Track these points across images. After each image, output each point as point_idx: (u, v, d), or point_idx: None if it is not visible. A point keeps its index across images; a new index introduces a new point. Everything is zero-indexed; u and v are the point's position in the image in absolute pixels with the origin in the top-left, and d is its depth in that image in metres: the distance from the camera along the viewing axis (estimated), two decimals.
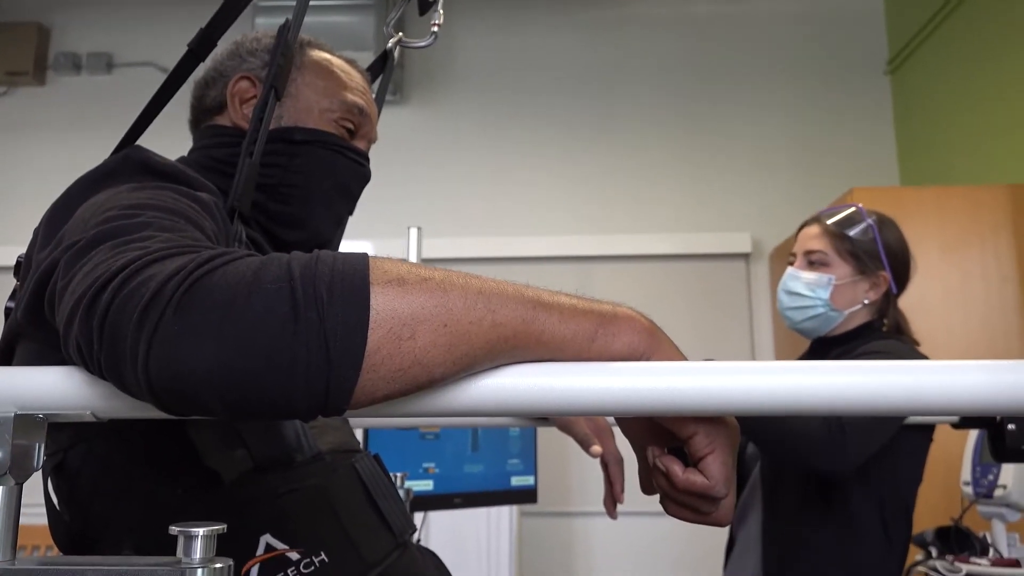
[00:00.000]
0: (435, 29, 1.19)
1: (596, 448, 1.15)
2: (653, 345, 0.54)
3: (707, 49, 3.60)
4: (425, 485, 1.92)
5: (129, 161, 0.73)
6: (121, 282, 0.48)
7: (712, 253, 3.37)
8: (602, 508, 1.21)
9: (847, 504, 1.26)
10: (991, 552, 1.63)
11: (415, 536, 0.88)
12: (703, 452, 0.55)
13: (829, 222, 1.43)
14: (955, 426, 1.22)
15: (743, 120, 3.54)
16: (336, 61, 0.93)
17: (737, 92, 3.56)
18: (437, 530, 2.36)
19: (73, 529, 0.71)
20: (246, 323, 0.45)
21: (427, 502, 1.89)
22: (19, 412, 0.52)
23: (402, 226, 3.46)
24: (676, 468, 0.56)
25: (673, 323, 1.60)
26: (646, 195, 3.50)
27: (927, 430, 1.31)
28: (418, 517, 1.79)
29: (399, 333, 0.47)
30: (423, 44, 1.19)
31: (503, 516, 2.53)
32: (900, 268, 1.44)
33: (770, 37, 3.59)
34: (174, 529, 0.51)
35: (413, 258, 1.96)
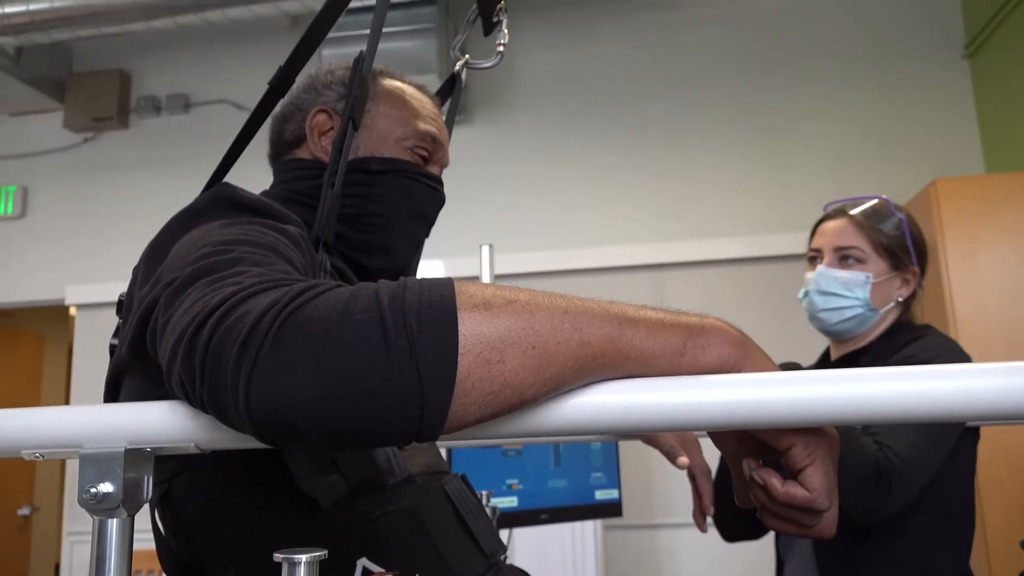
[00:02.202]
0: (500, 49, 1.21)
1: (683, 460, 1.14)
2: (744, 356, 0.53)
3: (771, 44, 3.53)
4: (510, 502, 1.92)
5: (219, 198, 0.76)
6: (219, 319, 0.50)
7: (787, 254, 3.28)
8: (688, 519, 1.19)
9: (910, 517, 1.17)
10: None
11: (505, 556, 0.88)
12: (802, 464, 0.53)
13: (856, 213, 1.34)
14: None
15: (814, 115, 3.45)
16: (408, 89, 0.94)
17: (806, 86, 3.47)
18: (522, 545, 2.35)
19: (180, 556, 0.73)
20: (339, 355, 0.46)
21: (513, 519, 1.89)
22: (129, 447, 0.55)
23: (472, 244, 3.49)
24: (775, 481, 0.54)
25: (748, 328, 1.56)
26: (716, 199, 3.44)
27: (973, 429, 1.23)
28: (503, 534, 1.79)
29: (488, 357, 0.47)
30: (489, 65, 1.21)
31: (587, 530, 2.51)
32: (925, 261, 1.37)
33: (837, 27, 3.50)
34: (278, 556, 0.52)
35: (486, 275, 1.97)
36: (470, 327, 0.47)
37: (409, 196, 0.90)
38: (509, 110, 3.66)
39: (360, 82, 0.82)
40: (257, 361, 0.47)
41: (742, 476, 0.58)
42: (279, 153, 0.95)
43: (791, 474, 0.55)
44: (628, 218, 3.48)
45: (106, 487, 0.53)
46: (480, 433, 0.52)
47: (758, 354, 0.54)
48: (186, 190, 3.63)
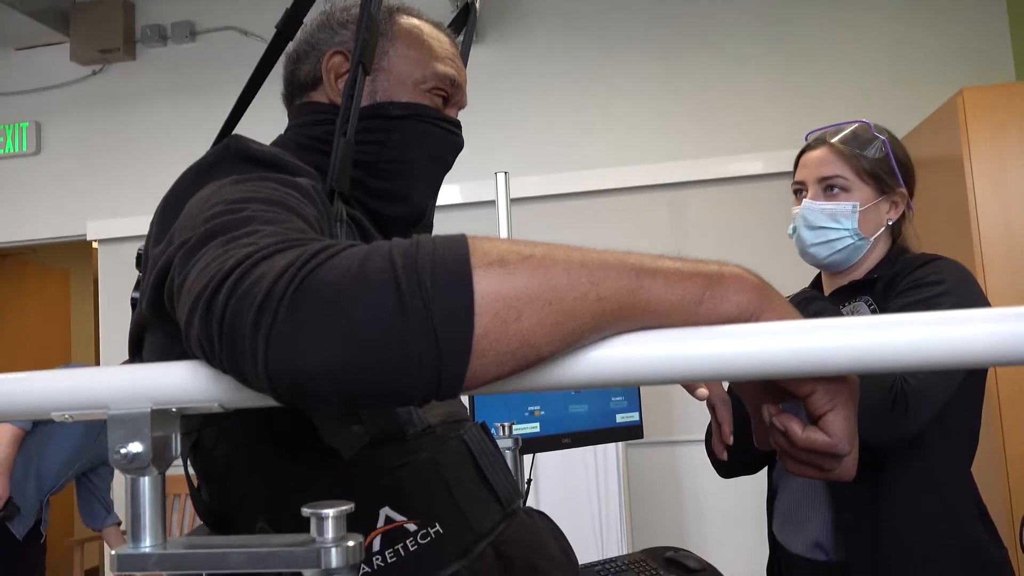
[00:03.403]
0: None
1: (702, 391, 1.14)
2: (764, 303, 0.52)
3: None
4: (532, 428, 1.96)
5: (229, 151, 0.75)
6: (234, 282, 0.50)
7: None
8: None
9: (923, 444, 1.17)
10: None
11: (523, 502, 0.90)
12: (823, 410, 0.53)
13: (837, 142, 1.30)
14: None
15: (835, 25, 3.32)
16: (426, 28, 0.91)
17: None
18: (545, 467, 2.41)
19: (211, 506, 0.76)
20: (355, 318, 0.46)
21: (536, 444, 1.93)
22: (155, 408, 0.56)
23: (487, 167, 3.46)
24: (795, 427, 0.55)
25: (772, 246, 1.51)
26: (735, 115, 3.36)
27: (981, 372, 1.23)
28: (527, 459, 1.83)
29: (505, 316, 0.47)
30: None
31: (609, 450, 2.56)
32: (912, 182, 1.34)
33: None
34: (306, 511, 0.53)
35: (502, 203, 1.95)
36: (485, 285, 0.47)
37: (428, 142, 0.88)
38: (521, 29, 3.56)
39: (370, 24, 0.80)
40: (273, 326, 0.47)
41: (762, 420, 0.59)
42: (293, 94, 0.92)
43: (812, 419, 0.55)
44: (647, 137, 3.41)
45: (135, 447, 0.55)
46: (500, 388, 0.52)
47: (777, 300, 0.53)
48: (199, 120, 3.65)
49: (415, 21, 0.91)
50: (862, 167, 1.28)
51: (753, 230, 3.25)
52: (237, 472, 0.73)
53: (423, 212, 0.91)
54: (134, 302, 0.77)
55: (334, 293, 0.47)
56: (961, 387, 1.17)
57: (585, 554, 2.50)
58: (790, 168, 3.25)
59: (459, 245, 0.49)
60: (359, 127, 0.81)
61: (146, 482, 0.56)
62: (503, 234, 1.98)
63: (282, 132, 0.90)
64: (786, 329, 0.50)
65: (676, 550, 1.82)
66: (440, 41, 0.91)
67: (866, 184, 1.29)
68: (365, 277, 0.47)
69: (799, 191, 1.35)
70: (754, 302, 0.52)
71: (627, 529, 2.60)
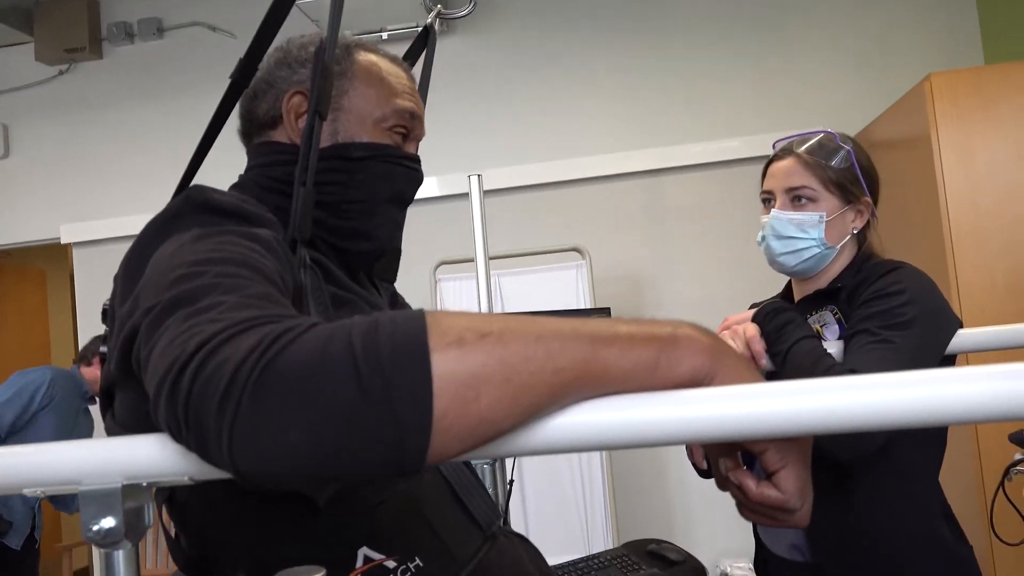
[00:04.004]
0: None
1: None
2: (717, 364, 0.54)
3: None
4: None
5: (190, 202, 0.75)
6: (197, 366, 0.50)
7: None
8: None
9: (897, 454, 1.19)
10: None
11: (504, 520, 0.92)
12: (775, 467, 0.55)
13: (803, 152, 1.32)
14: None
15: (807, 5, 3.34)
16: (384, 64, 0.91)
17: None
18: (529, 464, 2.43)
19: (191, 555, 0.77)
20: (317, 406, 0.47)
21: None
22: (126, 483, 0.57)
23: (462, 159, 3.46)
24: (750, 483, 0.57)
25: (749, 230, 1.52)
26: (709, 99, 3.37)
27: (949, 358, 1.24)
28: (508, 462, 1.85)
29: (463, 396, 0.48)
30: (463, 14, 1.17)
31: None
32: (876, 190, 1.36)
33: None
34: None
35: (476, 207, 1.96)
36: (443, 367, 0.48)
37: (390, 180, 0.89)
38: (492, 18, 3.53)
39: (324, 72, 0.80)
40: (238, 414, 0.48)
41: (720, 469, 0.61)
42: (251, 132, 0.92)
43: (766, 475, 0.57)
44: (621, 124, 3.42)
45: (108, 522, 0.56)
46: (463, 457, 0.53)
47: (731, 359, 0.55)
48: (169, 118, 3.61)
49: (372, 58, 0.91)
50: (828, 177, 1.30)
51: (729, 214, 3.27)
52: (213, 522, 0.75)
53: (386, 249, 0.92)
54: (103, 357, 0.78)
55: (296, 379, 0.48)
56: None
57: (571, 548, 2.53)
58: (764, 152, 3.28)
59: (417, 326, 0.50)
60: (321, 167, 0.81)
61: (120, 555, 0.57)
62: (478, 235, 1.99)
63: (242, 172, 0.90)
64: (738, 394, 0.52)
65: (659, 542, 1.85)
66: (398, 76, 0.92)
67: (832, 194, 1.31)
68: (326, 363, 0.48)
69: (767, 200, 1.37)
70: (707, 364, 0.54)
71: (612, 523, 2.64)
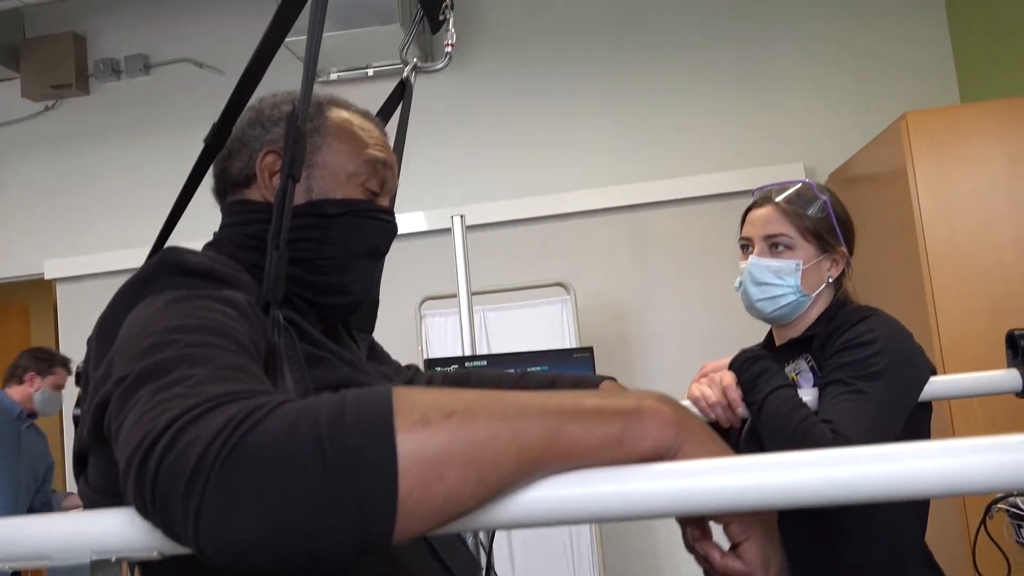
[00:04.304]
0: (448, 50, 1.19)
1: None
2: (682, 438, 0.55)
3: None
4: None
5: (165, 264, 0.76)
6: (164, 448, 0.51)
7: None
8: None
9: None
10: None
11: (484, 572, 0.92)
12: (739, 539, 0.56)
13: (782, 201, 1.35)
14: (1020, 395, 1.19)
15: (787, 44, 3.40)
16: (356, 120, 0.93)
17: (777, 15, 3.41)
18: None
19: None
20: (283, 490, 0.47)
21: None
22: (95, 558, 0.57)
23: (449, 194, 3.48)
24: (714, 554, 0.57)
25: (731, 263, 1.55)
26: (691, 135, 3.42)
27: (925, 404, 1.26)
28: None
29: (428, 476, 0.49)
30: (439, 67, 1.19)
31: None
32: (852, 240, 1.39)
33: None
34: None
35: (459, 247, 1.97)
36: (408, 448, 0.49)
37: (364, 234, 0.90)
38: (477, 54, 3.58)
39: (297, 138, 0.81)
40: (204, 497, 0.48)
41: (686, 537, 0.61)
42: (225, 191, 0.93)
43: (731, 545, 0.57)
44: (605, 159, 3.46)
45: None
46: (430, 533, 0.54)
47: (696, 432, 0.56)
48: (155, 154, 3.62)
49: (344, 114, 0.93)
50: (805, 226, 1.33)
51: (712, 248, 3.30)
52: None
53: (362, 302, 0.93)
54: (76, 419, 0.78)
55: (262, 463, 0.48)
56: (907, 429, 1.21)
57: None
58: (744, 187, 3.32)
59: (383, 406, 0.51)
60: (295, 224, 0.82)
61: None
62: (460, 274, 2.00)
63: (216, 231, 0.91)
64: (700, 470, 0.53)
65: None
66: (369, 130, 0.93)
67: (809, 243, 1.33)
68: (292, 445, 0.49)
69: (746, 247, 1.39)
70: (671, 437, 0.55)
71: (599, 567, 2.62)
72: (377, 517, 0.48)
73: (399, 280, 2.99)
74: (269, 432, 0.50)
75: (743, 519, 0.56)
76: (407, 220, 3.37)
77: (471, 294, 2.08)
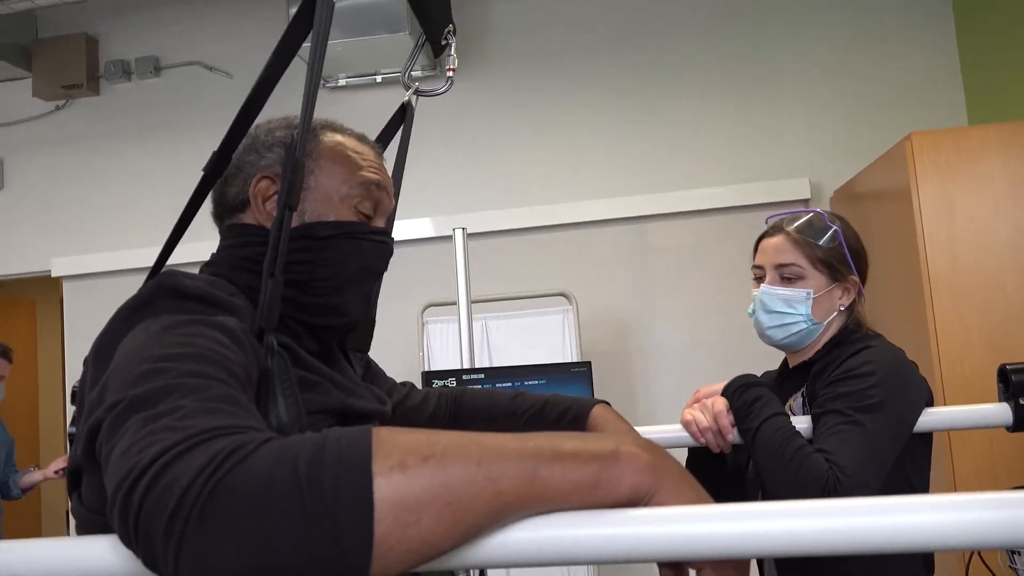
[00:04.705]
0: (450, 74, 1.20)
1: None
2: (658, 483, 0.56)
3: None
4: None
5: (161, 288, 0.77)
6: (149, 483, 0.52)
7: (770, 202, 3.28)
8: None
9: None
10: None
11: None
12: None
13: (793, 230, 1.36)
14: (1011, 429, 1.19)
15: (793, 59, 3.40)
16: (349, 143, 0.94)
17: (784, 30, 3.42)
18: None
19: None
20: (262, 530, 0.49)
21: None
22: None
23: (453, 201, 3.50)
24: None
25: (736, 278, 1.57)
26: (696, 148, 3.42)
27: (924, 435, 1.27)
28: None
29: (404, 520, 0.50)
30: (441, 91, 1.20)
31: None
32: (864, 268, 1.40)
33: None
34: None
35: (460, 257, 1.98)
36: (385, 492, 0.50)
37: (358, 256, 0.91)
38: (482, 66, 3.60)
39: (295, 168, 0.82)
40: (184, 535, 0.49)
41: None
42: (223, 215, 0.95)
43: None
44: (608, 171, 3.47)
45: None
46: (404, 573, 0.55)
47: (672, 478, 0.57)
48: (164, 155, 3.66)
49: (338, 137, 0.94)
50: (816, 256, 1.34)
51: (714, 261, 3.31)
52: None
53: (357, 322, 0.94)
54: (71, 437, 0.79)
55: (242, 503, 0.49)
56: (899, 470, 1.21)
57: None
58: (748, 201, 3.31)
59: (362, 449, 0.52)
60: (290, 247, 0.83)
61: None
62: (461, 285, 2.01)
63: (214, 252, 0.93)
64: (672, 517, 0.54)
65: None
66: (363, 153, 0.94)
67: (820, 272, 1.34)
68: (271, 486, 0.50)
69: (758, 275, 1.40)
70: (647, 482, 0.55)
71: None
72: (353, 559, 0.49)
73: (402, 286, 3.02)
74: (250, 472, 0.51)
75: (716, 564, 0.56)
76: (412, 226, 3.39)
77: (471, 303, 2.09)
